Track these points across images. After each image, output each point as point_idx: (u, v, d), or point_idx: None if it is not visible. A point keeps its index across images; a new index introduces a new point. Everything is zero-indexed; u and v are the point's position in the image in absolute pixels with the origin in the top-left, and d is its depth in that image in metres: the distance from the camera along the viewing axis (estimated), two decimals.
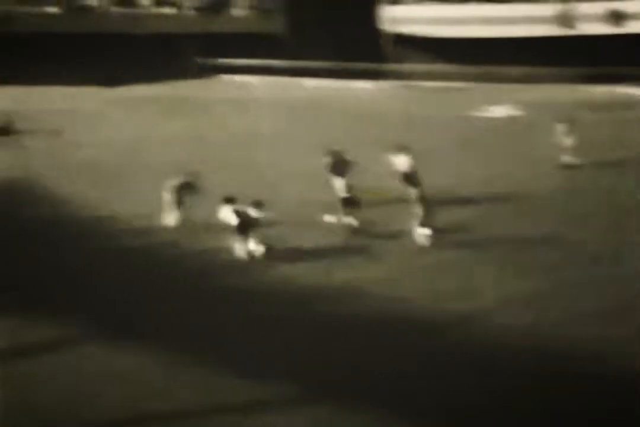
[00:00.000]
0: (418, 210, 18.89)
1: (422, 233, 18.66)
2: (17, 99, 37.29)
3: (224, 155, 27.31)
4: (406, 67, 47.34)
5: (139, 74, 43.13)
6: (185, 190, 19.96)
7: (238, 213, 18.29)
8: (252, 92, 42.51)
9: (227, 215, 18.47)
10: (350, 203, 19.76)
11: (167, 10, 49.43)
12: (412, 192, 19.72)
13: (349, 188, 20.83)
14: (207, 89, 43.30)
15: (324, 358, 13.81)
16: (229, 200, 18.50)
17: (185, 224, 19.87)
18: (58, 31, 44.41)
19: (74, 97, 39.36)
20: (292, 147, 27.83)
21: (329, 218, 19.87)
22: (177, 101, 39.26)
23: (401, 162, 21.50)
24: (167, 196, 20.00)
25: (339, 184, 21.09)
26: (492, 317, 14.96)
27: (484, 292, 16.13)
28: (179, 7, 49.63)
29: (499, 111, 35.61)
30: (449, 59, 46.00)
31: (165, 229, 19.97)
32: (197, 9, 49.59)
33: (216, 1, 50.38)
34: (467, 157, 26.76)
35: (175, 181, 19.98)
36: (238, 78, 45.64)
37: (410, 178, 20.61)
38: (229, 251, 18.50)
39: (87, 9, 46.86)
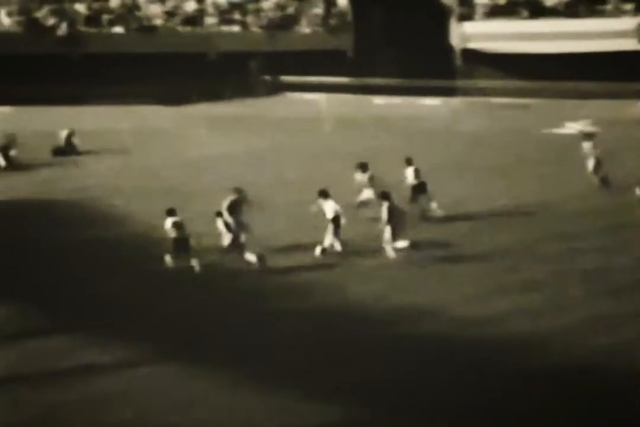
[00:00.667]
0: None
1: None
2: (84, 119, 38.22)
3: (294, 173, 27.69)
4: (477, 83, 47.36)
5: (205, 93, 43.88)
6: (237, 208, 20.16)
7: None
8: (320, 110, 42.93)
9: None
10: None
11: (233, 28, 50.18)
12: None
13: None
14: (274, 106, 43.88)
15: (386, 376, 14.19)
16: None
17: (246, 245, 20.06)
18: (125, 51, 45.36)
19: (141, 116, 40.21)
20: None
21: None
22: (244, 119, 39.87)
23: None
24: (222, 217, 20.36)
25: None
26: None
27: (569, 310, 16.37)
28: (245, 25, 50.36)
29: (573, 128, 35.49)
30: (520, 75, 45.90)
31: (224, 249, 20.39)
32: (264, 27, 50.27)
33: (282, 19, 51.02)
34: (543, 174, 26.87)
35: (226, 201, 20.32)
36: (306, 96, 46.13)
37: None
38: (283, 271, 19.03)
39: (153, 29, 47.80)
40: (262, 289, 18.63)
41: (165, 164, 30.91)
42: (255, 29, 50.44)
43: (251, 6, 50.95)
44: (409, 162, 23.93)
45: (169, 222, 19.57)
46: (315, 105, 44.12)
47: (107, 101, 41.72)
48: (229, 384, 14.30)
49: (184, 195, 25.27)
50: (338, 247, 20.24)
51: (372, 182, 22.93)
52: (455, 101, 45.61)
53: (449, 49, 50.83)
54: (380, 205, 19.98)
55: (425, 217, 22.88)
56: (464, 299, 17.32)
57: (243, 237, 20.02)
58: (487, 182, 26.35)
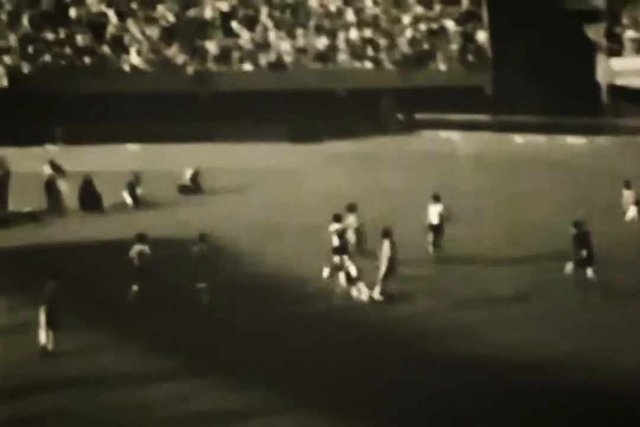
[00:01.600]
0: None
1: None
2: (211, 156, 38.86)
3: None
4: (625, 121, 46.22)
5: (336, 130, 44.13)
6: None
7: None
8: (456, 148, 42.63)
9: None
10: None
11: (366, 65, 50.43)
12: None
13: None
14: (407, 145, 43.82)
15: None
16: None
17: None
18: (254, 88, 46.08)
19: (268, 154, 40.64)
20: (504, 204, 27.65)
21: None
22: (375, 157, 39.93)
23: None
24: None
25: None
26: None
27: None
28: (378, 62, 50.57)
29: None
30: None
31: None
32: (397, 63, 50.38)
33: (417, 55, 51.06)
34: None
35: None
36: (441, 133, 45.92)
37: None
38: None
39: (283, 66, 48.46)
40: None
41: (292, 202, 31.07)
42: (388, 66, 50.60)
43: (384, 42, 51.13)
44: (436, 198, 24.06)
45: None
46: (452, 144, 43.85)
47: (236, 139, 42.35)
48: None
49: (303, 234, 25.39)
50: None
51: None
52: (602, 140, 44.59)
53: (595, 85, 49.92)
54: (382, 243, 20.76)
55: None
56: None
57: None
58: None
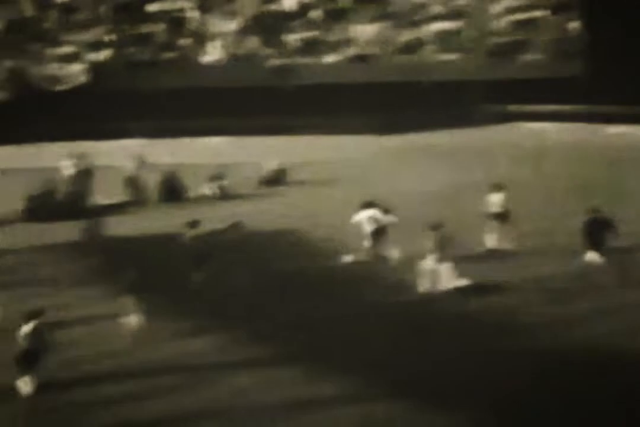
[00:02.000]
0: None
1: None
2: (292, 149, 39.05)
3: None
4: None
5: (420, 122, 43.97)
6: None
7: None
8: (548, 139, 42.13)
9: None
10: None
11: (454, 56, 50.14)
12: None
13: None
14: (494, 136, 43.51)
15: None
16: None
17: None
18: (337, 81, 46.14)
19: (351, 146, 40.62)
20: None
21: None
22: (461, 149, 39.59)
23: None
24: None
25: None
26: None
27: None
28: (466, 53, 50.23)
29: None
30: None
31: None
32: (487, 54, 49.99)
33: (507, 46, 50.60)
34: None
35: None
36: (532, 125, 45.43)
37: None
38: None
39: (367, 58, 48.41)
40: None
41: (374, 195, 30.96)
42: (477, 57, 50.22)
43: (471, 33, 50.79)
44: (497, 188, 24.10)
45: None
46: (542, 135, 43.35)
47: (318, 131, 42.47)
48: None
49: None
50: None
51: None
52: None
53: None
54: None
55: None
56: None
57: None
58: None
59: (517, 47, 50.96)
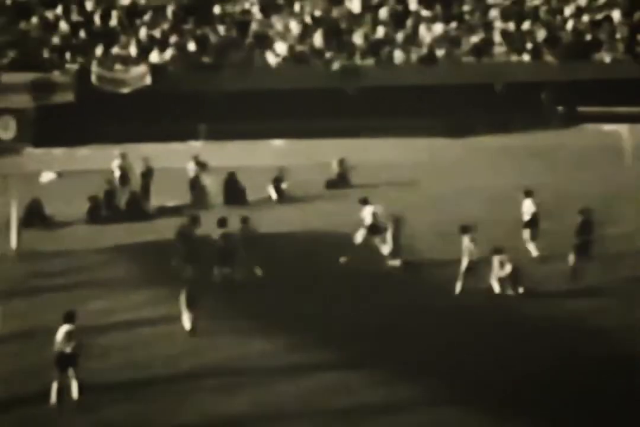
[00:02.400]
0: None
1: None
2: (357, 151, 38.97)
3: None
4: None
5: (491, 124, 43.67)
6: None
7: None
8: (620, 141, 41.62)
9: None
10: None
11: (525, 58, 49.73)
12: None
13: None
14: (567, 138, 43.12)
15: None
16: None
17: None
18: (403, 83, 46.01)
19: (418, 149, 40.47)
20: None
21: None
22: (533, 151, 39.30)
23: None
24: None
25: None
26: None
27: None
28: (538, 54, 49.78)
29: None
30: None
31: None
32: (559, 55, 49.50)
33: (580, 47, 50.09)
34: None
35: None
36: (605, 127, 44.94)
37: None
38: None
39: (435, 60, 48.21)
40: None
41: (442, 198, 30.91)
42: (549, 58, 49.80)
43: (544, 34, 50.35)
44: (527, 194, 24.82)
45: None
46: (615, 137, 42.86)
47: (384, 134, 42.32)
48: None
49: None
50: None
51: None
52: None
53: None
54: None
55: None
56: None
57: None
58: None
59: (591, 47, 50.39)
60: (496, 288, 21.36)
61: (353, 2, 49.99)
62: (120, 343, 18.39)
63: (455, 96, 45.21)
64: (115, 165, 32.89)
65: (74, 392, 16.66)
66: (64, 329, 16.86)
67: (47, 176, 36.50)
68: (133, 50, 46.32)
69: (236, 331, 19.36)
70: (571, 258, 22.01)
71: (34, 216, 29.71)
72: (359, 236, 24.79)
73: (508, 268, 21.25)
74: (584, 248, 21.84)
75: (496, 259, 21.40)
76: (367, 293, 21.72)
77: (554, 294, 20.73)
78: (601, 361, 17.05)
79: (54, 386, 16.40)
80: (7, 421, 16.11)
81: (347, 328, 19.45)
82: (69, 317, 17.00)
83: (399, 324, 19.46)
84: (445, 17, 50.17)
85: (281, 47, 47.59)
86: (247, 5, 49.67)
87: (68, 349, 16.60)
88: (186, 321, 19.40)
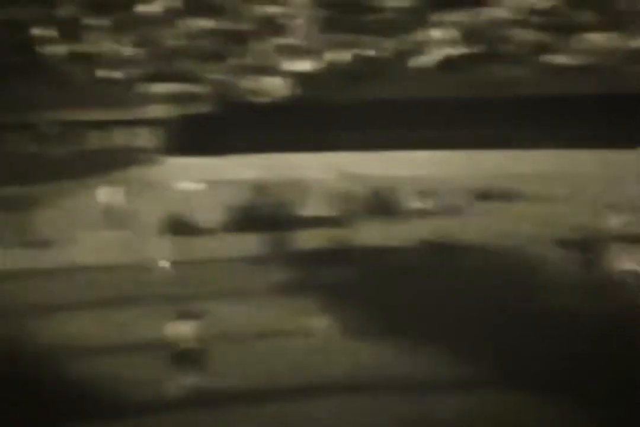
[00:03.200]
0: None
1: None
2: (512, 163, 38.52)
3: None
4: None
5: None
6: None
7: None
8: None
9: None
10: None
11: None
12: None
13: None
14: None
15: None
16: None
17: None
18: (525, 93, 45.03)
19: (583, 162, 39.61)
20: None
21: None
22: None
23: None
24: None
25: None
26: None
27: None
28: None
29: None
30: None
31: None
32: None
33: None
34: None
35: None
36: None
37: None
38: None
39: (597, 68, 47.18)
40: None
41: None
42: None
43: None
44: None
45: None
46: None
47: (542, 145, 41.54)
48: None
49: None
50: None
51: None
52: None
53: None
54: None
55: None
56: None
57: None
58: None
59: None
60: None
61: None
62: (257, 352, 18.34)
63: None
64: (257, 175, 33.27)
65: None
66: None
67: (190, 185, 37.20)
68: (271, 59, 46.89)
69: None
70: None
71: (179, 224, 30.13)
72: None
73: None
74: None
75: None
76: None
77: None
78: None
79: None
80: None
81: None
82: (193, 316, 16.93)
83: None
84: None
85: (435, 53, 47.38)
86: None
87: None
88: (322, 333, 19.31)
